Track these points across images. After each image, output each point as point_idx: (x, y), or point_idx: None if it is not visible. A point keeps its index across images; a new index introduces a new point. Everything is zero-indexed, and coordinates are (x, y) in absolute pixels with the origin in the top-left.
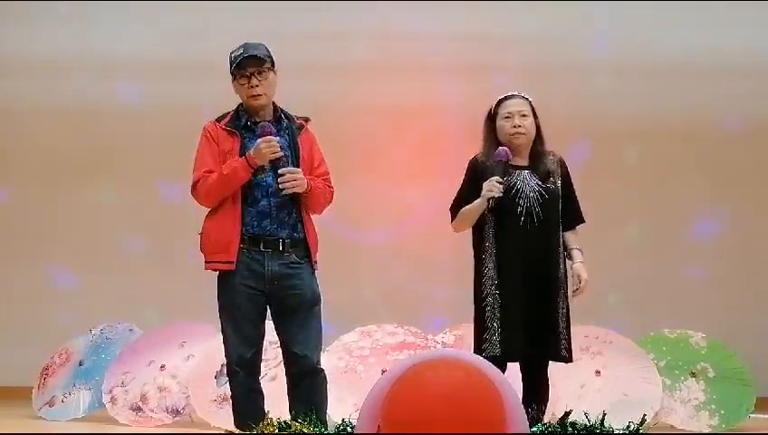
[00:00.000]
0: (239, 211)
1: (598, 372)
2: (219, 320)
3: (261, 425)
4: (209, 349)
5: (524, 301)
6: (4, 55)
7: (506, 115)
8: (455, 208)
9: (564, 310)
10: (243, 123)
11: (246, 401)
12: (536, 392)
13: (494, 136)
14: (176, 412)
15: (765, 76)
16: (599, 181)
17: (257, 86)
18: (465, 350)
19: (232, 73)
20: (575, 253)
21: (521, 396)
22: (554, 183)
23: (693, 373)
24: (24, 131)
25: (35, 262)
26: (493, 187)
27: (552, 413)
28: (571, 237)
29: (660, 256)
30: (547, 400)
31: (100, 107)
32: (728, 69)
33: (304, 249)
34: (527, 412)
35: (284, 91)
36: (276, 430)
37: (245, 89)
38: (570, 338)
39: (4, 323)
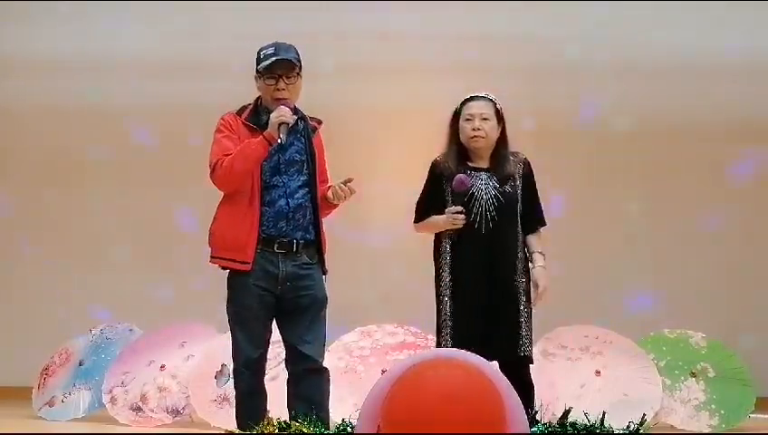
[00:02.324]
0: (257, 212)
1: (598, 372)
2: (227, 319)
3: (261, 425)
4: (209, 349)
5: (479, 302)
6: (4, 55)
7: (467, 117)
8: (419, 208)
9: (527, 311)
10: (264, 121)
11: (250, 402)
12: (520, 391)
13: (457, 137)
14: (176, 412)
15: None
16: (598, 181)
17: (283, 90)
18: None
19: (258, 70)
20: (536, 257)
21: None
22: (513, 186)
23: (693, 373)
24: (24, 131)
25: (35, 262)
26: (455, 220)
27: (552, 413)
28: (533, 240)
29: (660, 256)
30: (532, 401)
31: (99, 107)
32: (729, 69)
33: (315, 250)
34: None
35: None
36: (276, 430)
37: (271, 90)
38: (531, 337)
39: (5, 323)
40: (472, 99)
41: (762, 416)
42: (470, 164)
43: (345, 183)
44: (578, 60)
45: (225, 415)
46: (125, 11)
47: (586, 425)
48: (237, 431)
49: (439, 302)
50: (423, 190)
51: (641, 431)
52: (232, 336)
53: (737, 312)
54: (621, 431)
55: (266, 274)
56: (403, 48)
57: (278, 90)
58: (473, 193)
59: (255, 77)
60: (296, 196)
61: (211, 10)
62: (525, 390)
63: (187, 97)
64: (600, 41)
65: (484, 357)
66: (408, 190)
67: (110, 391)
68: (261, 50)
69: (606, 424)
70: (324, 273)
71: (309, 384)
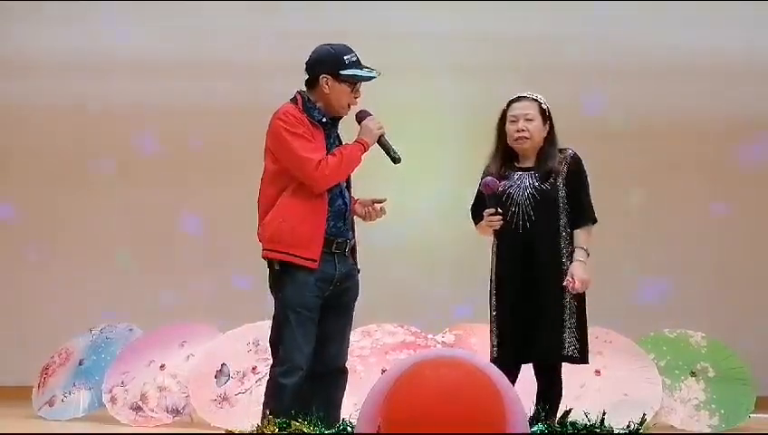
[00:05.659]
0: (325, 209)
1: (598, 372)
2: (280, 314)
3: (261, 425)
4: (209, 349)
5: (519, 301)
6: (5, 56)
7: (512, 119)
8: (472, 212)
9: (573, 309)
10: (319, 118)
11: (299, 398)
12: (546, 393)
13: (503, 139)
14: (176, 412)
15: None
16: (598, 181)
17: (356, 99)
18: (466, 350)
19: (340, 74)
20: (577, 251)
21: (534, 397)
22: (554, 183)
23: (693, 373)
24: (25, 131)
25: (36, 262)
26: (491, 222)
27: None
28: (578, 236)
29: (660, 256)
30: (559, 400)
31: (99, 107)
32: (729, 69)
33: (354, 250)
34: (537, 411)
35: (284, 90)
36: (276, 430)
37: (350, 98)
38: (582, 338)
39: (4, 323)
40: (516, 100)
41: (762, 416)
42: (517, 165)
43: (376, 202)
44: (578, 60)
45: (225, 415)
46: (125, 11)
47: (586, 425)
48: (237, 431)
49: (490, 302)
50: (476, 194)
51: (641, 431)
52: (285, 333)
53: (737, 312)
54: (621, 431)
55: (326, 275)
56: (403, 48)
57: (356, 98)
58: (510, 193)
59: (326, 78)
60: (345, 196)
61: (213, 10)
62: (554, 389)
63: (190, 98)
64: (600, 41)
65: (527, 357)
66: (408, 190)
67: (110, 391)
68: (342, 54)
69: (606, 424)
70: (358, 271)
71: (332, 383)
